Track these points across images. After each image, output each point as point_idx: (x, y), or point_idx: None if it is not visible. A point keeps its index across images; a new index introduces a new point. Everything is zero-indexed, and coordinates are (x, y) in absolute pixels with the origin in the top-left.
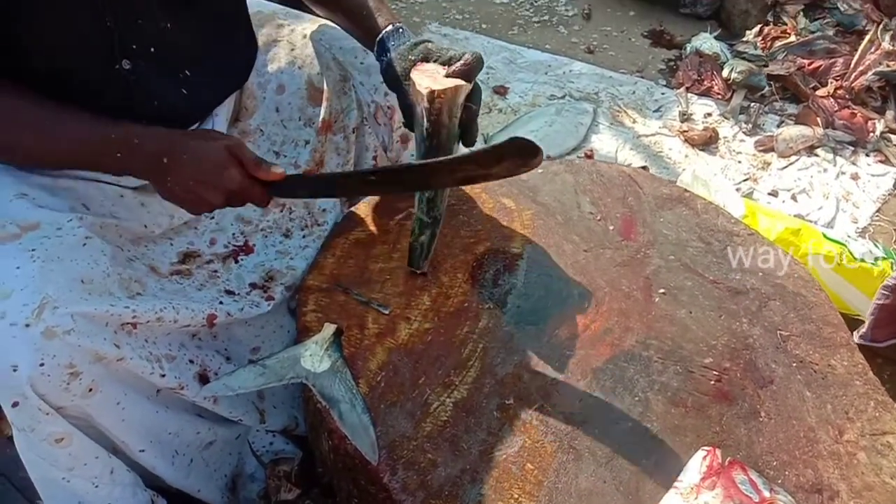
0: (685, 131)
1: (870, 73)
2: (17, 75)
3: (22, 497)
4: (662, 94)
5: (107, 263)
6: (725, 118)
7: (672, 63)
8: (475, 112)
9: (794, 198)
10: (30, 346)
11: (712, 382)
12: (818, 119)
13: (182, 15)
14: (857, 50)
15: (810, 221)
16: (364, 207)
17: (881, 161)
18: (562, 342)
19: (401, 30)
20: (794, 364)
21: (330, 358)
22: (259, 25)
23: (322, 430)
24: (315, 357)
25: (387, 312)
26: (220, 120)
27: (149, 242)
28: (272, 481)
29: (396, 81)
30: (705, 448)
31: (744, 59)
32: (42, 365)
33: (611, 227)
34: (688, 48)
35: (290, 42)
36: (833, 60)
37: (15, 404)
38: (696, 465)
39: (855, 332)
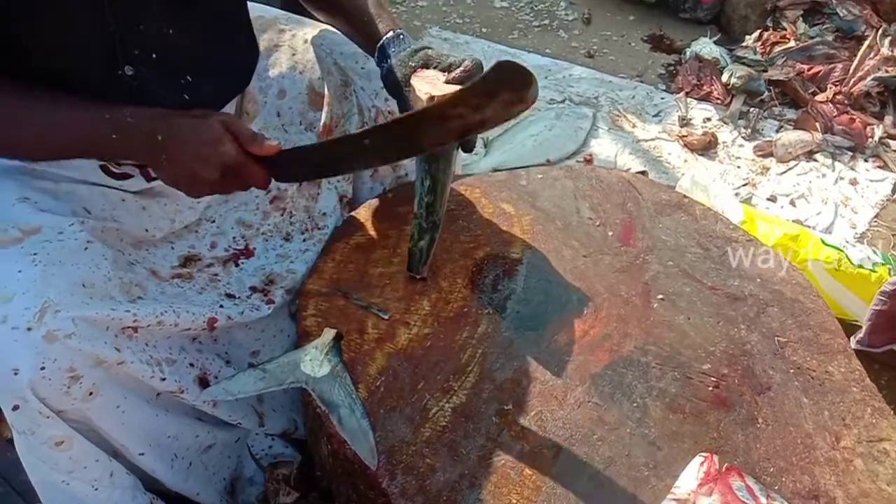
0: (684, 136)
1: (869, 78)
2: (17, 76)
3: (22, 500)
4: (662, 98)
5: (108, 267)
6: (725, 123)
7: (672, 68)
8: None
9: (792, 203)
10: (31, 350)
11: (710, 388)
12: (817, 124)
13: (183, 17)
14: (856, 55)
15: (809, 227)
16: (364, 212)
17: (880, 166)
18: (561, 348)
19: (401, 36)
20: (792, 370)
21: (330, 363)
22: (261, 30)
23: (321, 434)
24: (315, 362)
25: (386, 317)
26: None
27: (150, 246)
28: (271, 485)
29: (397, 87)
30: (703, 454)
31: (743, 64)
32: (43, 368)
33: (610, 233)
34: (687, 53)
35: (292, 47)
36: (832, 66)
37: (15, 408)
38: (694, 470)
39: (852, 338)
